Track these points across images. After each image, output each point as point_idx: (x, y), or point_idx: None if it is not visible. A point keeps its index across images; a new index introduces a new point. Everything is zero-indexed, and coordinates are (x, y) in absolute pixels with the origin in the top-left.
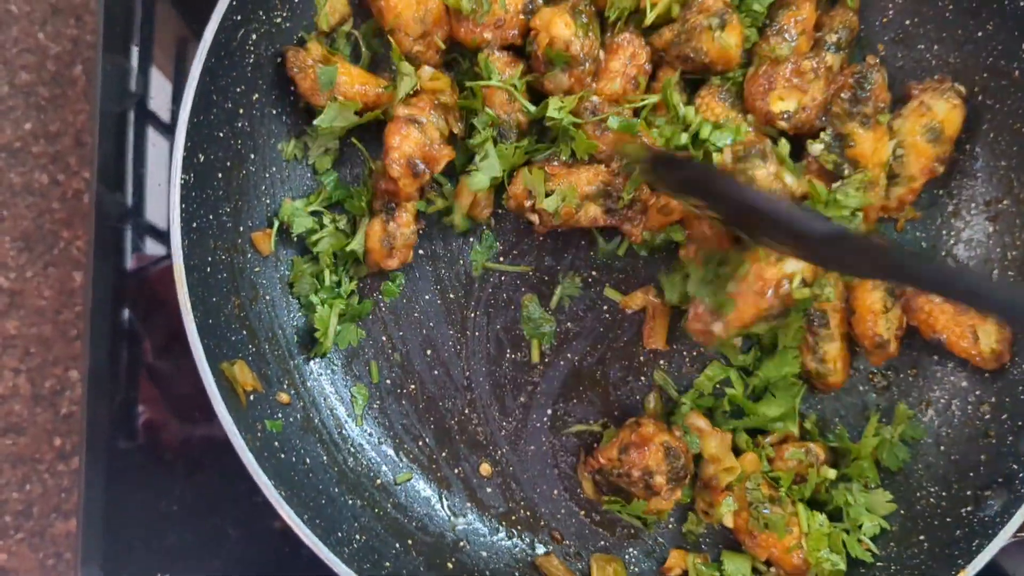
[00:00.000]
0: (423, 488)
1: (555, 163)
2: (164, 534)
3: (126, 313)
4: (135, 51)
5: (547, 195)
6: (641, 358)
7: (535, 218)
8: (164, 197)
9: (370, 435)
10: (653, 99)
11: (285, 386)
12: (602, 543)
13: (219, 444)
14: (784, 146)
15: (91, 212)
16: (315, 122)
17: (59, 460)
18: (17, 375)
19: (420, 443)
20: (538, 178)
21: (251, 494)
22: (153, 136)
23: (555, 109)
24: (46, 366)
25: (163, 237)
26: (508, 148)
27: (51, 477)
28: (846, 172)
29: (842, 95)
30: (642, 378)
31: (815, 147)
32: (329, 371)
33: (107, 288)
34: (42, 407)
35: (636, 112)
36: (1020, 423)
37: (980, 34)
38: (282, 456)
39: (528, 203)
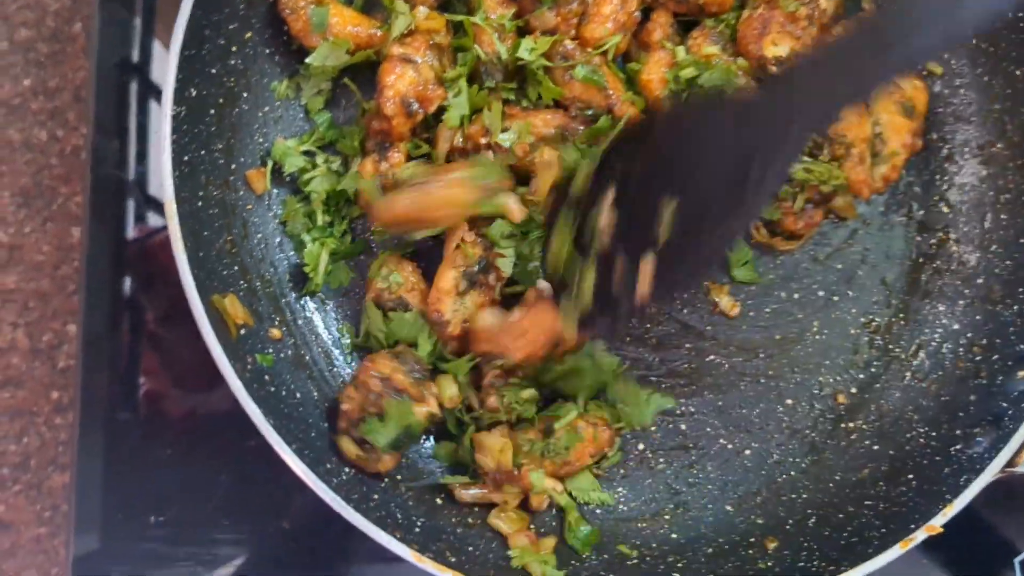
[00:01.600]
0: None
1: (516, 107)
2: (158, 480)
3: (128, 282)
4: (137, 23)
5: (503, 132)
6: None
7: (489, 155)
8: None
9: None
10: (616, 39)
11: (276, 323)
12: None
13: (219, 408)
14: None
15: (87, 160)
16: (307, 60)
17: (56, 413)
18: (15, 329)
19: None
20: (496, 113)
21: (244, 439)
22: (156, 109)
23: (527, 50)
24: (44, 320)
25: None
26: (473, 90)
27: (48, 430)
28: (824, 151)
29: None
30: None
31: None
32: (321, 310)
33: (105, 238)
34: (40, 361)
35: (603, 54)
36: (1010, 363)
37: None
38: (272, 389)
39: (483, 140)
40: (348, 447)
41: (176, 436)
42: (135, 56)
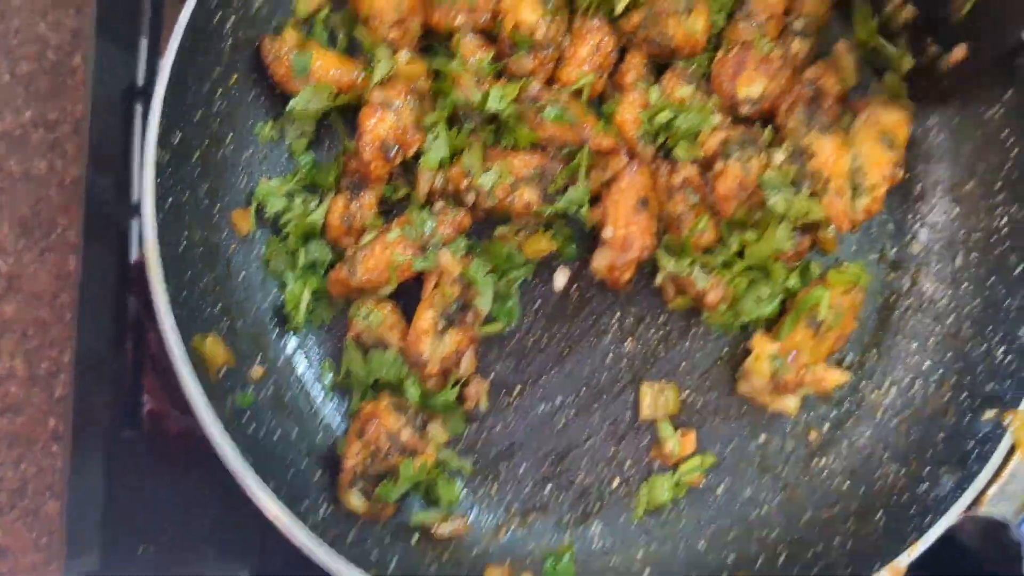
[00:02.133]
0: None
1: (496, 149)
2: (151, 507)
3: (132, 303)
4: (143, 44)
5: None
6: None
7: (471, 198)
8: None
9: (342, 412)
10: (590, 78)
11: (258, 361)
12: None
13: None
14: (768, 132)
15: (82, 192)
16: (290, 105)
17: (53, 441)
18: (14, 357)
19: None
20: (476, 155)
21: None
22: None
23: (496, 98)
24: (42, 349)
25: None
26: (453, 133)
27: (45, 457)
28: (805, 187)
29: (796, 110)
30: None
31: (777, 156)
32: (302, 348)
33: (101, 267)
34: (38, 388)
35: (578, 93)
36: (978, 403)
37: None
38: (251, 429)
39: (464, 183)
40: (356, 502)
41: (174, 457)
42: (140, 80)
